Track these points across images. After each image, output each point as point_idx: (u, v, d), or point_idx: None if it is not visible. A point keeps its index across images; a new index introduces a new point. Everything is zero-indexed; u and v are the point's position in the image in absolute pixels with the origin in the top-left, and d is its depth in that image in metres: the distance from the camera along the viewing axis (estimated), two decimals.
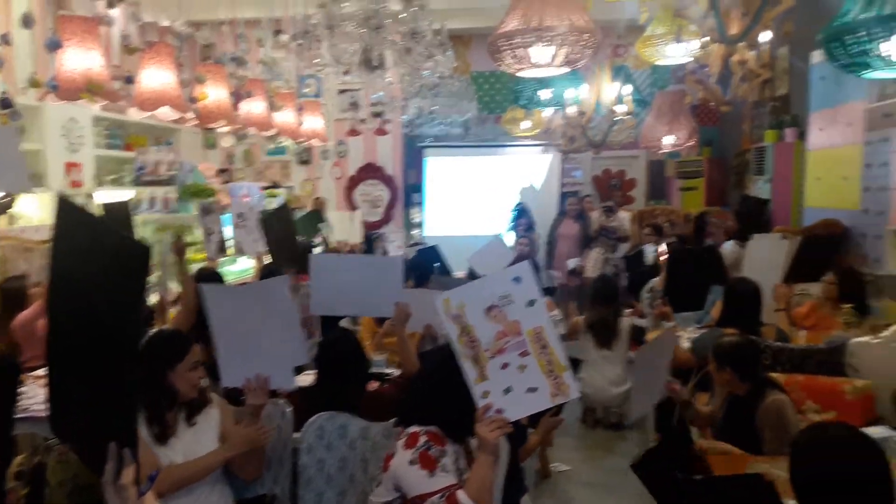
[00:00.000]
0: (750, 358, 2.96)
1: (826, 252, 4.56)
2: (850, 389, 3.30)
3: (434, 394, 2.16)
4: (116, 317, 1.44)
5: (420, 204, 10.52)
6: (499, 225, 9.11)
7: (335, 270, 3.28)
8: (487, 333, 2.04)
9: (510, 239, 8.23)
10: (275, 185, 8.23)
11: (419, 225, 10.57)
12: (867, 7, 2.88)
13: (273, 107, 6.12)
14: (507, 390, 2.04)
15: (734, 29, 3.82)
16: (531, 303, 2.05)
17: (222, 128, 5.35)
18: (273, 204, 7.55)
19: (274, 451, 2.61)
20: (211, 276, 3.93)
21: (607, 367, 4.94)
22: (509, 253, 5.87)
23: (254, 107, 5.82)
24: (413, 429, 2.10)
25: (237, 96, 5.51)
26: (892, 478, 1.64)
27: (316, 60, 4.53)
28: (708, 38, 4.20)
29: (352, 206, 9.87)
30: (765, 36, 4.19)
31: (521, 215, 8.39)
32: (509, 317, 2.04)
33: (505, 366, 2.04)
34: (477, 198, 10.33)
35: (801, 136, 6.67)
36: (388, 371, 3.54)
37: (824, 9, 6.08)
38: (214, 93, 5.00)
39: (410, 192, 10.52)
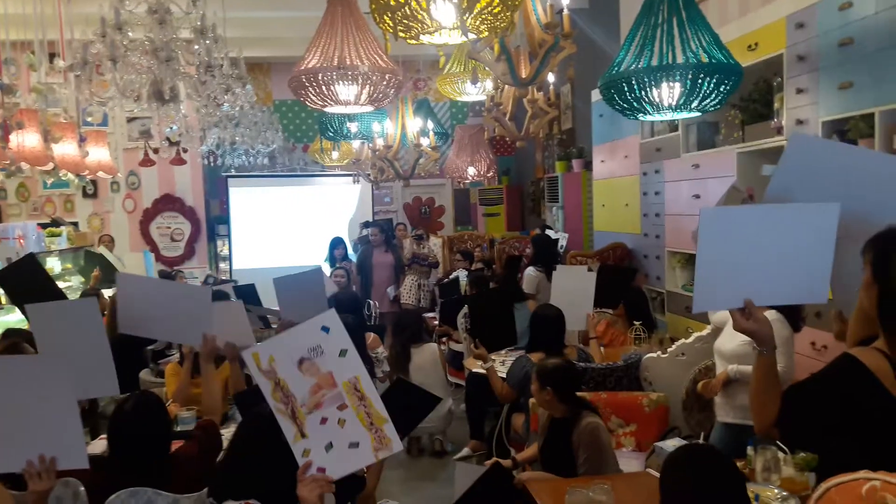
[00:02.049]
0: (569, 380, 3.12)
1: (621, 280, 4.99)
2: (647, 402, 3.62)
3: (249, 462, 2.03)
4: None
5: (227, 236, 10.02)
6: (311, 256, 8.93)
7: (142, 292, 3.08)
8: (302, 387, 1.95)
9: (327, 270, 8.10)
10: (55, 223, 7.41)
11: (227, 258, 10.07)
12: (637, 58, 3.21)
13: (50, 138, 5.53)
14: (329, 447, 1.96)
15: (524, 72, 4.08)
16: (343, 353, 1.98)
17: None
18: (54, 245, 6.82)
19: None
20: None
21: None
22: (323, 283, 5.75)
23: (26, 139, 5.22)
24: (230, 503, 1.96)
25: (5, 128, 4.92)
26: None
27: (99, 94, 4.14)
28: (500, 81, 4.45)
29: (148, 242, 9.19)
30: (551, 77, 4.53)
31: (337, 246, 8.28)
32: (322, 369, 1.96)
33: (324, 420, 1.96)
34: (287, 229, 10.05)
35: (588, 166, 7.31)
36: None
37: (602, 53, 6.73)
38: None
39: (215, 224, 10.01)
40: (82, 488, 2.32)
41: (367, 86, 3.98)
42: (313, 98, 4.08)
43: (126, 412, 2.49)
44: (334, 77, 3.93)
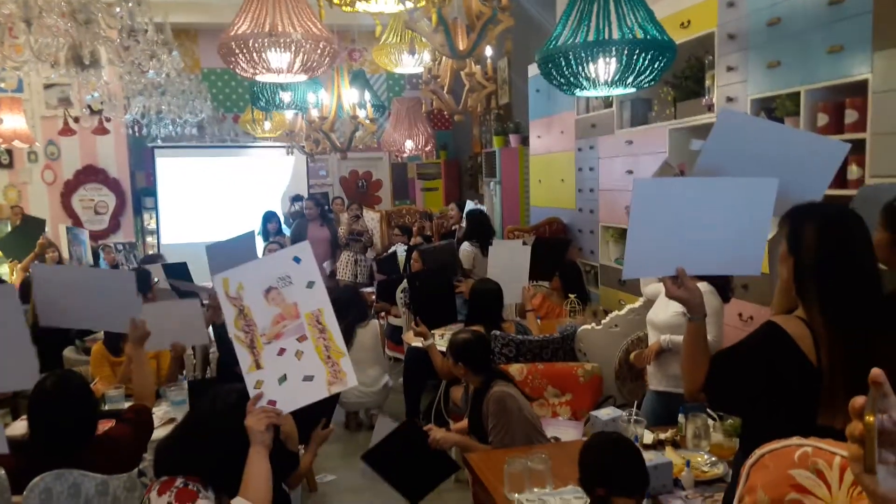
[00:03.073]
0: (479, 352, 3.17)
1: (555, 253, 5.07)
2: (582, 373, 3.70)
3: (198, 440, 1.97)
4: None
5: (154, 209, 9.67)
6: (243, 230, 8.71)
7: (61, 281, 2.93)
8: (265, 317, 1.98)
9: (259, 244, 7.92)
10: None
11: (154, 232, 9.72)
12: (574, 33, 3.21)
13: None
14: (282, 379, 1.98)
15: (461, 44, 4.05)
16: (310, 284, 2.01)
17: None
18: None
19: None
20: None
21: (359, 371, 4.97)
22: (255, 248, 5.62)
23: None
24: (167, 478, 1.90)
25: None
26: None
27: (12, 58, 3.89)
28: (437, 53, 4.41)
29: (71, 215, 8.78)
30: (489, 51, 4.52)
31: (270, 220, 8.11)
32: (288, 299, 1.99)
33: (282, 352, 1.98)
34: (218, 202, 9.76)
35: (525, 141, 7.34)
36: (126, 407, 3.17)
37: (538, 27, 6.74)
38: None
39: (141, 196, 9.63)
40: (2, 472, 2.21)
41: (301, 54, 3.86)
42: (244, 66, 3.92)
43: (47, 392, 2.37)
44: (266, 44, 3.80)
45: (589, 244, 5.64)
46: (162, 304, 3.95)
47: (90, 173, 8.89)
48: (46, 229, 6.34)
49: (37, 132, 8.08)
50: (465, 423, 3.28)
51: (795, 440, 1.10)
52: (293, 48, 3.88)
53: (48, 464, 2.22)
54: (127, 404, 3.03)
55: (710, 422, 2.63)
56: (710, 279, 3.06)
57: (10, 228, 6.92)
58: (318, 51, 3.96)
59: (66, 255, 6.04)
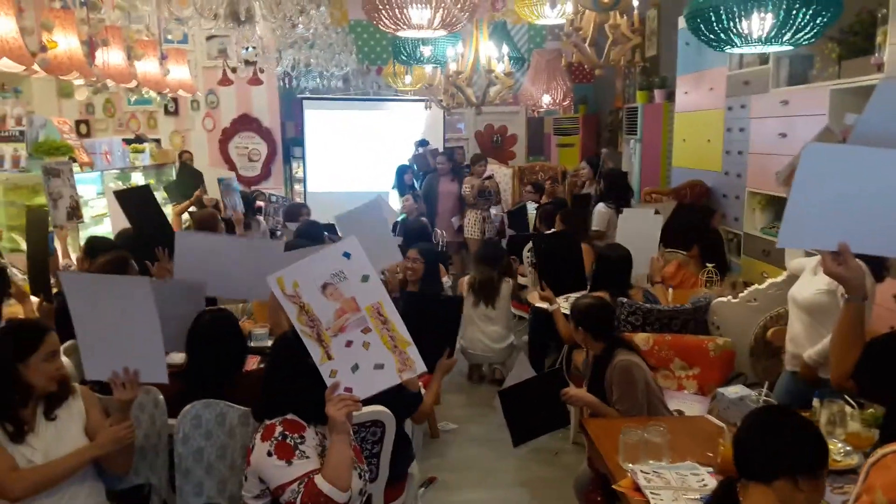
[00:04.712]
0: (602, 318, 3.12)
1: (697, 221, 4.82)
2: (713, 347, 3.56)
3: (283, 381, 2.12)
4: None
5: (301, 158, 10.18)
6: (381, 181, 9.00)
7: (203, 250, 3.08)
8: (327, 311, 2.03)
9: (394, 197, 8.16)
10: (139, 139, 7.66)
11: (301, 180, 10.25)
12: None
13: (133, 55, 5.65)
14: (355, 368, 2.04)
15: None
16: (365, 278, 2.04)
17: (77, 80, 4.91)
18: (138, 161, 7.07)
19: (148, 440, 2.49)
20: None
21: (489, 326, 5.07)
22: (388, 211, 5.80)
23: (111, 56, 5.35)
24: (269, 421, 2.07)
25: (91, 44, 5.04)
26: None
27: (178, 13, 4.19)
28: (580, 5, 4.26)
29: (227, 160, 9.43)
30: (635, 1, 4.31)
31: (405, 172, 8.31)
32: (345, 294, 2.03)
33: (349, 343, 2.04)
34: (359, 153, 10.11)
35: (670, 97, 6.98)
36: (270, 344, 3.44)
37: None
38: (64, 41, 4.54)
39: (290, 145, 10.16)
40: (161, 397, 2.49)
41: (441, 9, 3.90)
42: (386, 22, 4.03)
43: (203, 327, 2.65)
44: (407, 0, 3.86)
45: (733, 210, 5.33)
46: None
47: (245, 122, 9.46)
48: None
49: (199, 82, 8.67)
50: (583, 390, 3.28)
51: None
52: (434, 4, 3.91)
53: (200, 393, 2.47)
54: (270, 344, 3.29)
55: (848, 409, 2.46)
56: (865, 257, 2.82)
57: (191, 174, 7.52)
58: (458, 6, 3.97)
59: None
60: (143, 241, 4.30)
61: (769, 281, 3.77)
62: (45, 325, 2.34)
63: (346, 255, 2.03)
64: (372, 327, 2.04)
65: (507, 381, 3.24)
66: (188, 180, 6.40)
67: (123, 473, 2.40)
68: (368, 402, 2.41)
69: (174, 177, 7.24)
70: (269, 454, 1.99)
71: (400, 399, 2.70)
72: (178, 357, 2.88)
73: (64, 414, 2.28)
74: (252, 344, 3.48)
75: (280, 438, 2.00)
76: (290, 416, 2.06)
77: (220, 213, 5.64)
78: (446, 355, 2.96)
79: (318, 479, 1.96)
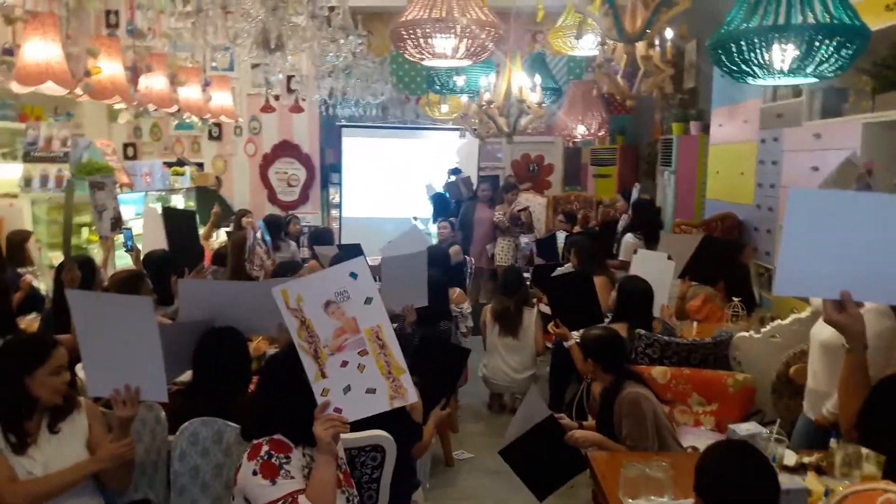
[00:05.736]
0: (611, 350, 3.06)
1: (724, 255, 4.66)
2: (732, 382, 3.46)
3: (271, 400, 2.13)
4: None
5: (338, 184, 10.33)
6: (416, 208, 9.07)
7: (207, 296, 3.01)
8: (326, 329, 2.02)
9: (430, 225, 8.21)
10: (180, 163, 7.90)
11: (338, 205, 10.40)
12: (749, 17, 2.95)
13: (177, 82, 5.85)
14: (347, 389, 2.03)
15: (637, 23, 3.89)
16: (368, 300, 2.03)
17: (118, 104, 5.11)
18: (178, 183, 7.29)
19: (148, 456, 2.53)
20: (84, 263, 3.76)
21: (510, 356, 5.01)
22: (425, 239, 5.84)
23: (154, 82, 5.55)
24: (256, 441, 2.07)
25: (135, 70, 5.24)
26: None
27: (213, 40, 4.33)
28: (606, 37, 4.25)
29: (267, 185, 9.63)
30: (669, 33, 4.28)
31: (441, 200, 8.38)
32: (347, 313, 2.02)
33: (344, 364, 2.03)
34: (395, 180, 10.22)
35: (706, 129, 6.90)
36: None
37: (723, 8, 6.27)
38: (108, 67, 4.74)
39: (328, 171, 10.33)
40: (163, 414, 2.52)
41: (465, 39, 3.93)
42: (411, 51, 4.08)
43: (210, 344, 2.69)
44: (431, 30, 3.91)
45: (765, 244, 5.20)
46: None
47: (286, 148, 9.66)
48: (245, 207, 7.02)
49: (242, 108, 8.91)
50: (589, 430, 3.21)
51: (883, 484, 0.97)
52: (458, 33, 3.96)
53: (201, 410, 2.50)
54: None
55: (864, 451, 2.35)
56: None
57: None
58: (483, 35, 4.01)
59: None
60: (173, 258, 4.49)
61: (793, 316, 3.66)
62: (53, 339, 2.40)
63: (353, 275, 2.03)
64: (369, 350, 2.03)
65: (509, 430, 3.18)
66: (206, 206, 6.69)
67: (123, 490, 2.43)
68: (371, 426, 2.41)
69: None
70: (255, 473, 1.99)
71: (404, 426, 2.69)
72: (187, 375, 2.93)
73: (67, 427, 2.33)
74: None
75: (265, 458, 2.00)
76: (277, 437, 2.06)
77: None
78: (441, 406, 2.96)
79: (302, 500, 1.95)
